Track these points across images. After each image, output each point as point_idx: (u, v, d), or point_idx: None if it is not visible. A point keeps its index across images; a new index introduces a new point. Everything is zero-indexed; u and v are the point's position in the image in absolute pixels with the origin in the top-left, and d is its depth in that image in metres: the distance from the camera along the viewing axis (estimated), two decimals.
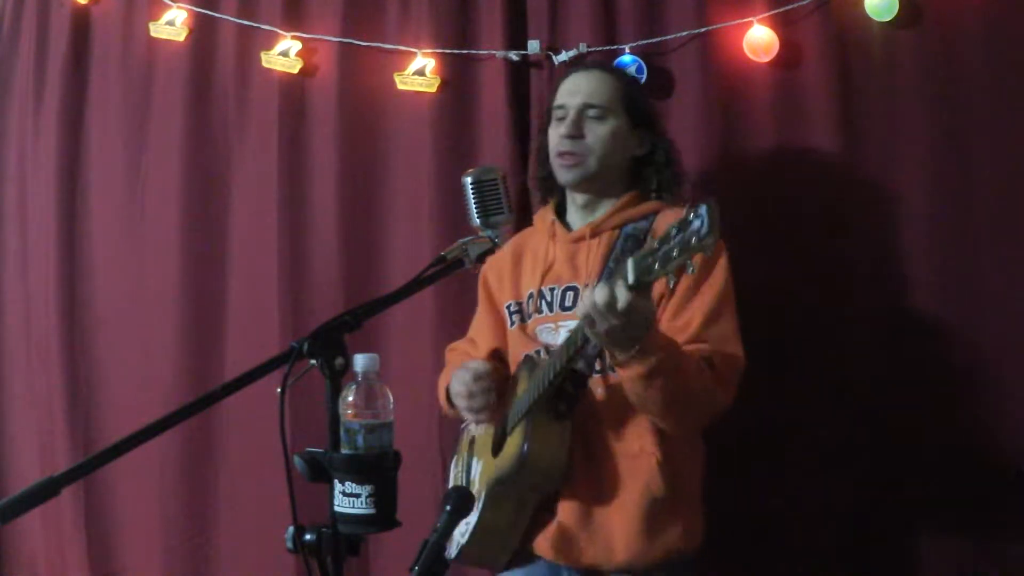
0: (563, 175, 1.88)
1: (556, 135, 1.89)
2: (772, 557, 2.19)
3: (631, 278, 1.38)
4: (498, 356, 2.00)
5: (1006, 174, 2.12)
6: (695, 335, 1.69)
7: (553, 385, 1.64)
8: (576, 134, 1.85)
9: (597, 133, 1.86)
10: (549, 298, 1.86)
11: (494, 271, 2.01)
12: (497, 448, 1.82)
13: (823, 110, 2.20)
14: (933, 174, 2.16)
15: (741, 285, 1.78)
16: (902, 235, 2.18)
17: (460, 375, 1.84)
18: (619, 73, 2.01)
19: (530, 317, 1.89)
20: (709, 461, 1.87)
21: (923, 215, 2.16)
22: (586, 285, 1.80)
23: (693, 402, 1.67)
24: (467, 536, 1.81)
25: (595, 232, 1.86)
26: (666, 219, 1.78)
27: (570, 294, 1.84)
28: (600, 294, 1.42)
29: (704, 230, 1.24)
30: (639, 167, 1.92)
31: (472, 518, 1.79)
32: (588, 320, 1.46)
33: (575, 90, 1.90)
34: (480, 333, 2.05)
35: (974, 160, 2.14)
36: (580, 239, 1.87)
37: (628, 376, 1.57)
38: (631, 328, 1.46)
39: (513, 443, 1.73)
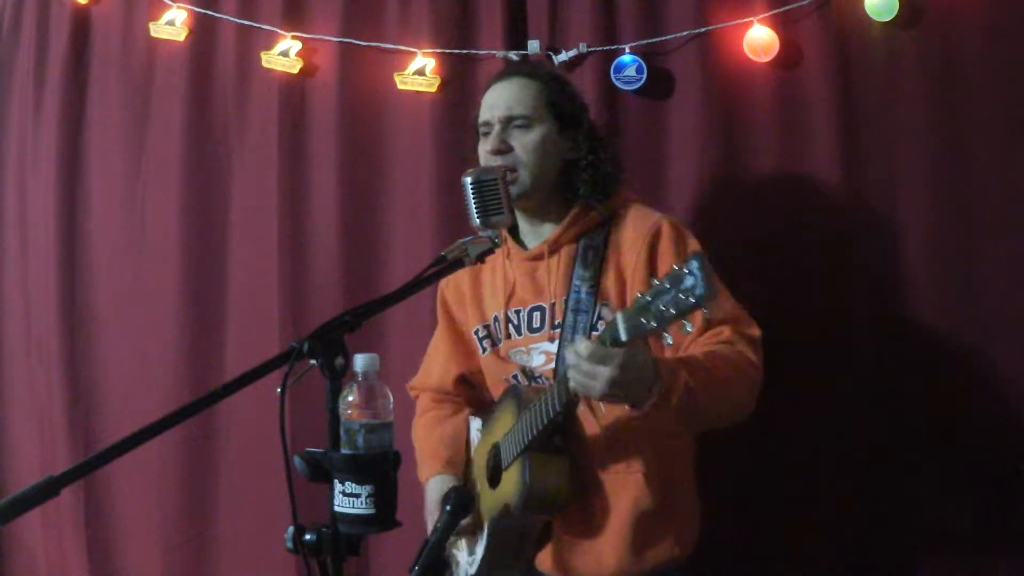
0: None
1: (483, 153, 1.81)
2: (768, 559, 2.19)
3: (623, 336, 1.39)
4: (464, 381, 2.00)
5: (1006, 174, 2.12)
6: (704, 326, 1.65)
7: (544, 432, 1.63)
8: (502, 148, 1.78)
9: (524, 143, 1.78)
10: (516, 321, 1.83)
11: (452, 291, 1.97)
12: (493, 478, 1.80)
13: (823, 110, 2.21)
14: (933, 173, 2.16)
15: (739, 285, 1.78)
16: (902, 235, 2.18)
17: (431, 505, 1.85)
18: (541, 75, 1.89)
19: (500, 341, 1.87)
20: (706, 464, 1.86)
21: (923, 214, 2.16)
22: (552, 304, 1.78)
23: (737, 400, 1.65)
24: (475, 566, 1.82)
25: (553, 249, 1.80)
26: (624, 232, 1.76)
27: (536, 315, 1.81)
28: (584, 350, 1.42)
29: (699, 288, 1.27)
30: (575, 171, 1.82)
31: (479, 550, 1.81)
32: (582, 379, 1.46)
33: (496, 103, 1.82)
34: (439, 360, 2.02)
35: (974, 160, 2.14)
36: (538, 257, 1.82)
37: (664, 420, 1.55)
38: (631, 380, 1.45)
39: (513, 478, 1.72)
